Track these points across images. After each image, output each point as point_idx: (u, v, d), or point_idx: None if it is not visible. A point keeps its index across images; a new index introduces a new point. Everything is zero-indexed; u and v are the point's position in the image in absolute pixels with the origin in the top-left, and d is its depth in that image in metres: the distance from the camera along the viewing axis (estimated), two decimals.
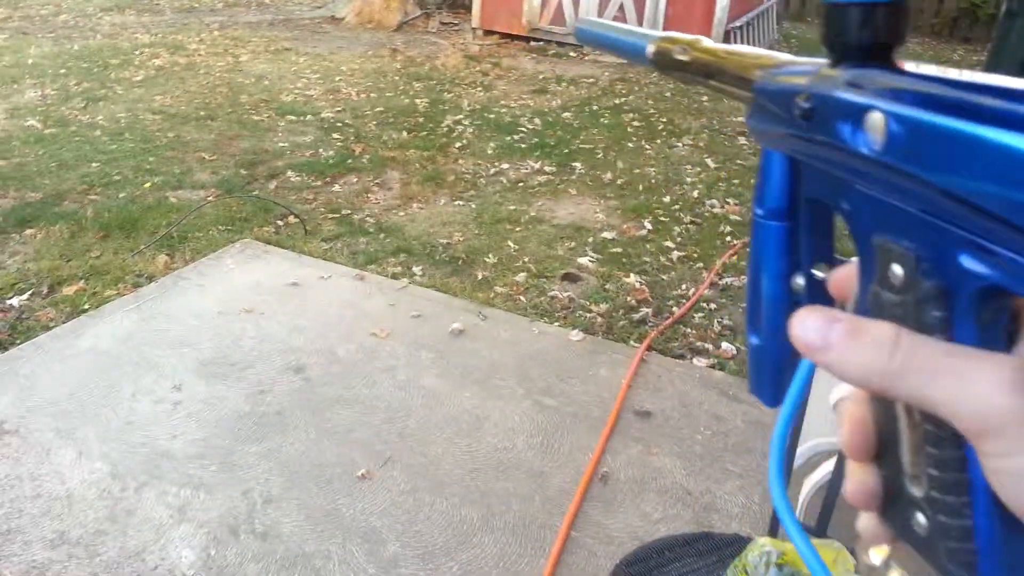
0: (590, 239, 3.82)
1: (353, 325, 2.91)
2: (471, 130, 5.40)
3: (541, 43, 8.38)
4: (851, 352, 0.28)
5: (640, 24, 7.86)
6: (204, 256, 3.35)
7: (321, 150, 4.80)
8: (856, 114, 0.28)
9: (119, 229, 3.56)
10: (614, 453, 2.34)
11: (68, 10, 8.26)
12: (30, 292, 2.98)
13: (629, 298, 3.27)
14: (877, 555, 0.34)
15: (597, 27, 0.51)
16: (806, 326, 0.29)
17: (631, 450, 2.35)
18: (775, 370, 0.38)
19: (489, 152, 4.99)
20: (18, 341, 2.67)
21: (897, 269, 0.28)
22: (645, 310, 3.18)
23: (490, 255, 3.58)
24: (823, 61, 0.32)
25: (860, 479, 0.32)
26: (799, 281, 0.36)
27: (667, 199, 4.35)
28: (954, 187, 0.24)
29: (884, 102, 0.27)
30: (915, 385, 0.26)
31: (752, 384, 0.39)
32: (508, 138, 5.26)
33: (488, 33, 8.61)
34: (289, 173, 4.41)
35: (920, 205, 0.26)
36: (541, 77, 7.10)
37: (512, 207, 4.15)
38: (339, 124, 5.33)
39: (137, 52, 6.75)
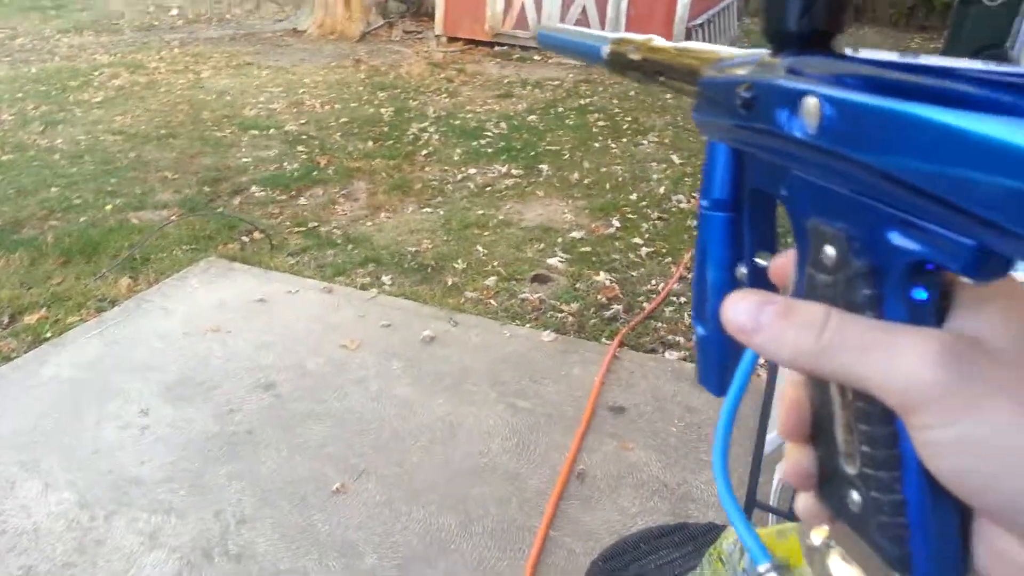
0: (559, 239, 3.81)
1: (322, 338, 2.87)
2: (437, 137, 5.38)
3: (505, 47, 8.39)
4: (782, 333, 0.28)
5: (603, 25, 7.89)
6: (168, 277, 3.30)
7: (286, 163, 4.76)
8: (793, 100, 0.28)
9: (80, 254, 3.50)
10: (590, 451, 2.33)
11: (25, 33, 8.14)
12: None
13: (600, 296, 3.27)
14: (817, 535, 0.34)
15: (557, 32, 0.53)
16: (738, 308, 0.29)
17: (606, 447, 2.35)
18: (721, 360, 0.39)
19: (455, 158, 4.97)
20: None
21: (829, 250, 0.28)
22: (616, 307, 3.17)
23: (459, 261, 3.56)
24: (766, 51, 0.32)
25: (796, 459, 0.32)
26: (743, 270, 0.37)
27: (634, 196, 4.36)
28: (884, 166, 0.25)
29: (818, 86, 0.27)
30: (844, 363, 0.26)
31: (700, 374, 0.40)
32: (474, 143, 5.25)
33: (452, 40, 8.60)
34: (253, 188, 4.36)
35: (852, 186, 0.27)
36: (506, 81, 7.10)
37: (480, 212, 4.13)
38: (303, 137, 5.29)
39: (96, 73, 6.66)
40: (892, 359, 0.25)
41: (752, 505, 1.83)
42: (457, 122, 5.73)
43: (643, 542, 1.74)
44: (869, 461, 0.29)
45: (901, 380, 0.25)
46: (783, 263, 0.33)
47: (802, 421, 0.32)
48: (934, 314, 0.27)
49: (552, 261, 3.58)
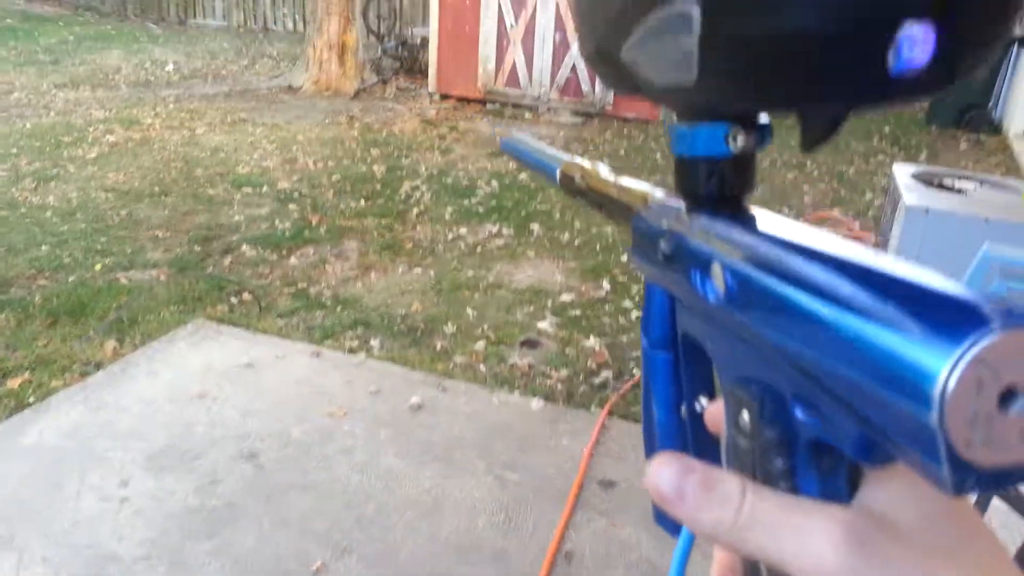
0: (549, 302, 3.81)
1: (309, 405, 2.84)
2: (429, 195, 5.42)
3: (497, 105, 8.51)
4: (702, 507, 0.28)
5: (593, 83, 8.03)
6: (155, 339, 3.27)
7: (277, 222, 4.77)
8: (703, 263, 0.29)
9: (67, 315, 3.47)
10: (578, 528, 2.29)
11: (21, 88, 8.21)
12: None
13: (589, 362, 3.25)
14: None
15: (519, 143, 0.55)
16: (661, 475, 0.29)
17: (596, 524, 2.31)
18: None
19: (447, 217, 5.00)
20: None
21: (745, 416, 0.28)
22: (606, 373, 3.16)
23: (449, 323, 3.55)
24: (682, 204, 0.33)
25: None
26: (685, 411, 0.37)
27: (624, 258, 4.38)
28: (777, 342, 0.25)
29: (723, 254, 0.28)
30: (759, 543, 0.26)
31: (654, 514, 0.39)
32: (466, 202, 5.28)
33: (445, 97, 8.73)
34: (244, 247, 4.36)
35: (759, 355, 0.27)
36: (499, 139, 7.17)
37: (471, 272, 4.14)
38: (296, 195, 5.31)
39: (91, 128, 6.71)
40: (801, 541, 0.25)
41: None
42: (449, 180, 5.78)
43: None
44: None
45: (809, 563, 0.25)
46: (717, 412, 0.33)
47: None
48: (846, 486, 0.27)
49: (542, 325, 3.58)
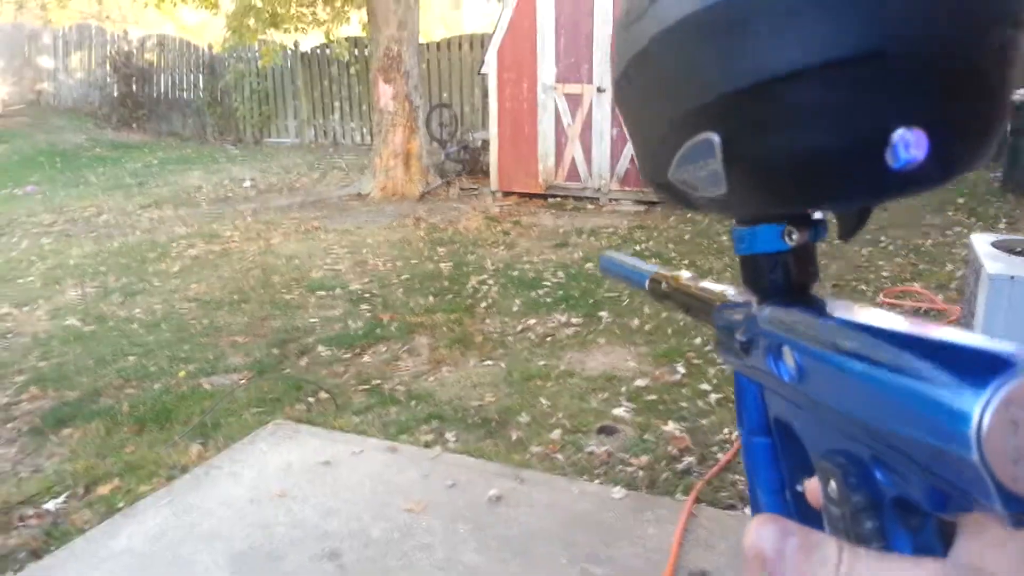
0: (623, 388, 3.75)
1: (387, 501, 2.82)
2: (496, 289, 5.48)
3: (558, 198, 8.67)
4: (802, 568, 0.29)
5: None
6: (237, 441, 3.33)
7: (350, 322, 4.88)
8: (775, 348, 0.33)
9: (153, 421, 3.58)
10: None
11: (109, 210, 8.76)
12: (66, 494, 2.97)
13: (670, 447, 3.17)
14: None
15: (614, 261, 0.62)
16: (762, 534, 0.30)
17: None
18: None
19: (515, 309, 5.04)
20: (52, 548, 2.62)
21: (832, 484, 0.30)
22: (688, 459, 3.06)
23: (523, 414, 3.52)
24: (753, 298, 0.37)
25: None
26: (789, 493, 0.38)
27: (698, 340, 4.31)
28: (845, 411, 0.28)
29: (790, 338, 0.32)
30: None
31: None
32: (533, 294, 5.32)
33: (507, 194, 8.95)
34: (319, 348, 4.46)
35: (836, 426, 0.30)
36: (562, 231, 7.28)
37: (542, 362, 4.13)
38: (367, 295, 5.45)
39: (173, 244, 7.08)
40: None
41: None
42: (515, 273, 5.85)
43: None
44: None
45: None
46: (816, 488, 0.35)
47: None
48: (938, 544, 0.28)
49: (618, 411, 3.51)
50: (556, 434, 3.32)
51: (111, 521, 2.76)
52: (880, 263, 5.81)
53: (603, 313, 4.86)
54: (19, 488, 3.02)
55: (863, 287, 5.23)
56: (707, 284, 0.44)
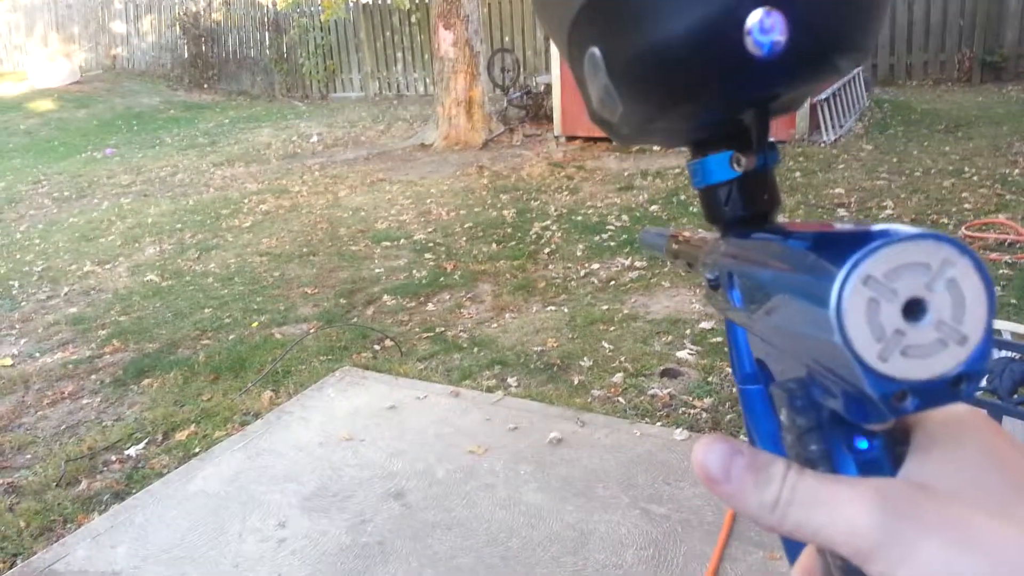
0: (688, 331, 3.69)
1: (450, 444, 2.87)
2: (559, 234, 5.44)
3: None
4: (747, 487, 0.28)
5: None
6: (306, 388, 3.43)
7: (414, 271, 4.93)
8: (728, 277, 0.33)
9: (228, 370, 3.71)
10: (733, 561, 2.16)
11: (184, 169, 9.02)
12: (146, 441, 3.12)
13: (734, 389, 3.10)
14: None
15: (649, 232, 0.60)
16: (709, 455, 0.29)
17: (752, 557, 2.17)
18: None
19: (578, 254, 4.99)
20: (134, 490, 2.77)
21: (784, 412, 0.30)
22: None
23: (585, 358, 3.51)
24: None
25: None
26: None
27: None
28: (777, 331, 0.28)
29: (735, 264, 0.32)
30: (797, 519, 0.27)
31: (788, 556, 0.40)
32: (596, 238, 5.26)
33: (571, 139, 8.82)
34: (385, 297, 4.53)
35: (782, 351, 0.29)
36: (626, 174, 7.15)
37: (605, 307, 4.09)
38: (431, 244, 5.49)
39: (245, 200, 7.25)
40: (834, 510, 0.26)
41: None
42: (579, 218, 5.78)
43: None
44: None
45: (844, 530, 0.25)
46: None
47: None
48: (886, 463, 0.27)
49: (681, 354, 3.47)
50: (618, 377, 3.30)
51: (188, 465, 2.89)
52: (964, 195, 5.51)
53: None
54: (103, 435, 3.19)
55: (944, 220, 4.98)
56: (704, 234, 0.43)
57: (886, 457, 0.27)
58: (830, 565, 0.30)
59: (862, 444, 0.27)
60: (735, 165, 0.33)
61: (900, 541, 0.24)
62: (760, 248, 0.29)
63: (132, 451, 3.04)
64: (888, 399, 0.23)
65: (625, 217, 5.70)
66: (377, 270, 5.05)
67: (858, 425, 0.27)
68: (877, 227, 0.23)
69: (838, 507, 0.26)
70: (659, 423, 2.91)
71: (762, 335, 0.30)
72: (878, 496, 0.25)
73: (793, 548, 0.38)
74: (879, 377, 0.22)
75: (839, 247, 0.23)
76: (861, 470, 0.27)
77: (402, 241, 5.63)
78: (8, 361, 4.04)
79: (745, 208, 0.34)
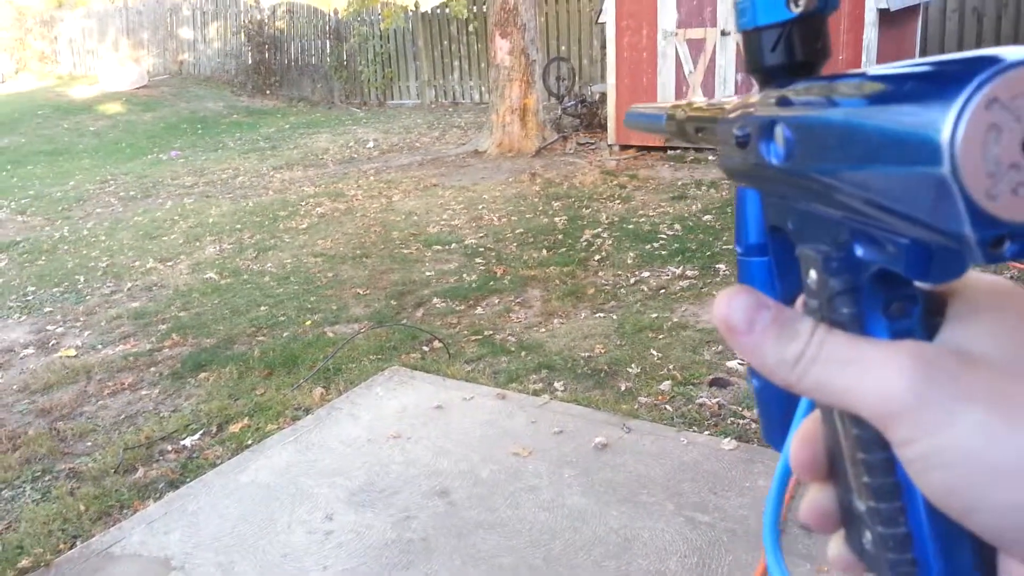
0: None
1: (495, 445, 2.89)
2: (610, 242, 5.43)
3: (678, 151, 8.43)
4: (768, 339, 0.27)
5: None
6: (356, 386, 3.48)
7: (464, 275, 4.97)
8: (767, 130, 0.29)
9: (282, 366, 3.79)
10: None
11: (245, 172, 9.25)
12: (201, 432, 3.21)
13: None
14: None
15: (636, 112, 0.55)
16: (733, 304, 0.28)
17: (799, 569, 2.13)
18: (782, 413, 0.37)
19: (629, 262, 4.97)
20: (188, 479, 2.85)
21: (813, 274, 0.28)
22: None
23: (633, 365, 3.49)
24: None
25: (812, 499, 0.31)
26: None
27: None
28: (831, 178, 0.25)
29: (781, 113, 0.28)
30: (820, 377, 0.26)
31: (763, 430, 0.39)
32: (647, 246, 5.23)
33: (624, 148, 8.78)
34: (435, 300, 4.58)
35: (822, 207, 0.27)
36: (680, 184, 7.10)
37: (654, 315, 4.07)
38: (481, 249, 5.52)
39: (302, 203, 7.40)
40: (864, 372, 0.25)
41: None
42: (630, 226, 5.76)
43: None
44: (871, 493, 0.27)
45: (874, 392, 0.24)
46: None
47: (814, 458, 0.31)
48: (920, 330, 0.26)
49: (732, 364, 3.42)
50: (666, 385, 3.27)
51: (240, 456, 2.97)
52: None
53: (721, 265, 4.72)
54: (160, 426, 3.29)
55: None
56: (723, 99, 0.39)
57: (921, 326, 0.26)
58: (840, 433, 0.29)
59: (901, 313, 0.26)
60: (792, 5, 0.30)
61: (936, 408, 0.23)
62: (828, 87, 0.26)
63: (187, 441, 3.13)
64: (987, 244, 0.20)
65: (677, 226, 5.66)
66: (428, 273, 5.10)
67: (902, 288, 0.26)
68: (992, 51, 0.20)
69: (869, 368, 0.24)
70: (707, 432, 2.88)
71: (803, 190, 0.28)
72: (914, 359, 0.24)
73: (769, 411, 0.38)
74: (984, 217, 0.20)
75: (955, 69, 0.20)
76: (894, 336, 0.26)
77: (453, 245, 5.68)
78: (72, 352, 4.20)
79: (797, 55, 0.30)
